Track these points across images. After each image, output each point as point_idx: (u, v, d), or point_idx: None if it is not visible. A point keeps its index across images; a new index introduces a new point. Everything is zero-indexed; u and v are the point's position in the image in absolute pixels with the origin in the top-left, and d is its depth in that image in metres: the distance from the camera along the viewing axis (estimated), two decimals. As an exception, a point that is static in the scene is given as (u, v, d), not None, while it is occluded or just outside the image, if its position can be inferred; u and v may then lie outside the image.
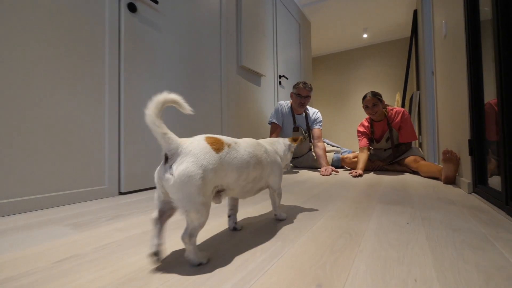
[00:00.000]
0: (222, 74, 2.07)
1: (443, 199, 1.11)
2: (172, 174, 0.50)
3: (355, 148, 5.04)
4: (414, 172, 2.03)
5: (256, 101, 2.60)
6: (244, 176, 0.62)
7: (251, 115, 2.53)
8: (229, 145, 0.59)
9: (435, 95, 2.26)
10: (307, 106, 2.48)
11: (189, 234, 0.52)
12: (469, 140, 1.20)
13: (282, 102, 2.45)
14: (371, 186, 1.51)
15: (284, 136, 2.51)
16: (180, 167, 0.50)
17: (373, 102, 2.11)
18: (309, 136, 2.47)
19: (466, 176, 1.29)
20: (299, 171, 2.36)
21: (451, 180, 1.50)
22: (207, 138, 0.57)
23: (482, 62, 1.15)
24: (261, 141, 0.77)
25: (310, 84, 2.32)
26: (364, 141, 2.24)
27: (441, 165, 1.76)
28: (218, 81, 2.04)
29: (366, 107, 2.17)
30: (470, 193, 1.21)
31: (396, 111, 2.16)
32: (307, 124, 2.44)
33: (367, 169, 2.26)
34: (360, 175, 1.91)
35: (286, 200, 1.13)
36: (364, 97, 2.17)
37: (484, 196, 1.07)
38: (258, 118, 2.65)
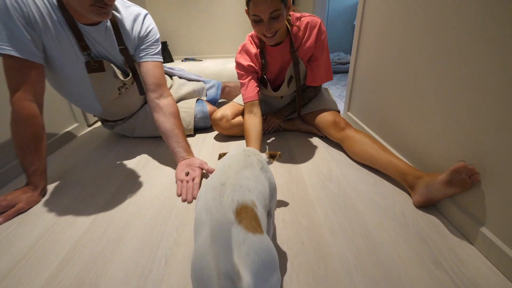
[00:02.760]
0: None
1: None
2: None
3: (228, 76, 3.82)
4: (326, 138, 1.24)
5: None
6: None
7: None
8: None
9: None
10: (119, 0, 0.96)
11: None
12: None
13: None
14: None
15: (60, 85, 1.02)
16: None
17: (273, 9, 0.89)
18: (136, 80, 1.08)
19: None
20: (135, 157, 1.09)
21: (431, 204, 0.79)
22: None
23: None
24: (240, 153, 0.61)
25: None
26: (252, 88, 1.12)
27: (402, 159, 0.99)
28: None
29: (257, 21, 0.94)
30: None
31: (307, 22, 1.08)
32: (125, 51, 0.99)
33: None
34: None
35: None
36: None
37: None
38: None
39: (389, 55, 1.02)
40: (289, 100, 1.31)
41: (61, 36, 0.86)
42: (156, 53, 1.04)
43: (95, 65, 0.96)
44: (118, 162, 1.11)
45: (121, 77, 1.02)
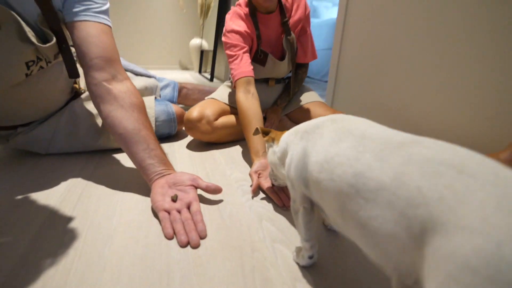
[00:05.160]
0: None
1: None
2: None
3: (182, 75, 3.31)
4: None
5: None
6: None
7: None
8: None
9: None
10: None
11: None
12: None
13: None
14: None
15: None
16: None
17: None
18: (63, 52, 0.64)
19: None
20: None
21: None
22: None
23: None
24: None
25: None
26: (248, 63, 0.83)
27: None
28: None
29: None
30: None
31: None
32: (46, 6, 0.57)
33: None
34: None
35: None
36: None
37: None
38: None
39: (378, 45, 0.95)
40: (281, 90, 1.10)
41: None
42: (102, 12, 0.65)
43: None
44: (30, 195, 0.61)
45: (34, 40, 0.57)
